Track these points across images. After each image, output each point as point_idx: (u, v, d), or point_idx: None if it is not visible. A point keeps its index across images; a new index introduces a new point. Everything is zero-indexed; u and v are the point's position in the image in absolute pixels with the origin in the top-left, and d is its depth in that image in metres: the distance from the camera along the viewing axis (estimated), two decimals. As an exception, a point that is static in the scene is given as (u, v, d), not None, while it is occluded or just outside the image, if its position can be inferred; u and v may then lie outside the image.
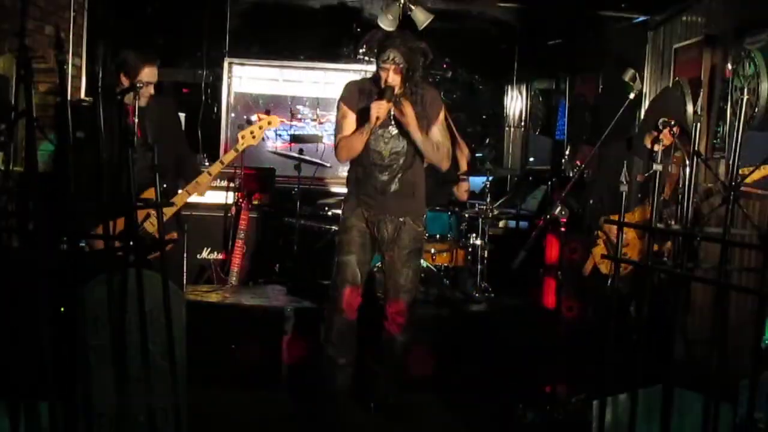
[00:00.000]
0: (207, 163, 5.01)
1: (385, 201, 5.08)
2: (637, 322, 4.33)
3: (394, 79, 4.87)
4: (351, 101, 5.08)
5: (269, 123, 5.29)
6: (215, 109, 9.47)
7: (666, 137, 5.18)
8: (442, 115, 5.15)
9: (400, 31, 5.05)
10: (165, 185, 4.78)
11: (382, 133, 5.03)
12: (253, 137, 5.14)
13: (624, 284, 5.12)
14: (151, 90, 4.95)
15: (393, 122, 5.01)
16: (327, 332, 5.14)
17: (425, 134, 5.01)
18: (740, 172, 4.61)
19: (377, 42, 4.95)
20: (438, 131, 5.12)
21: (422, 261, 6.72)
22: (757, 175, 4.77)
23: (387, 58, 4.84)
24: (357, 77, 9.00)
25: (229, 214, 7.32)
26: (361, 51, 5.09)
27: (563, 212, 5.39)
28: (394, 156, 5.05)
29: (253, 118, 9.31)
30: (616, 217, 5.15)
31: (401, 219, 5.10)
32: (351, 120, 5.06)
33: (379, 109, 4.82)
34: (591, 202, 5.42)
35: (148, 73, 4.85)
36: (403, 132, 5.00)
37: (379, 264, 5.76)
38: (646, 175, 5.27)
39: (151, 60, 4.89)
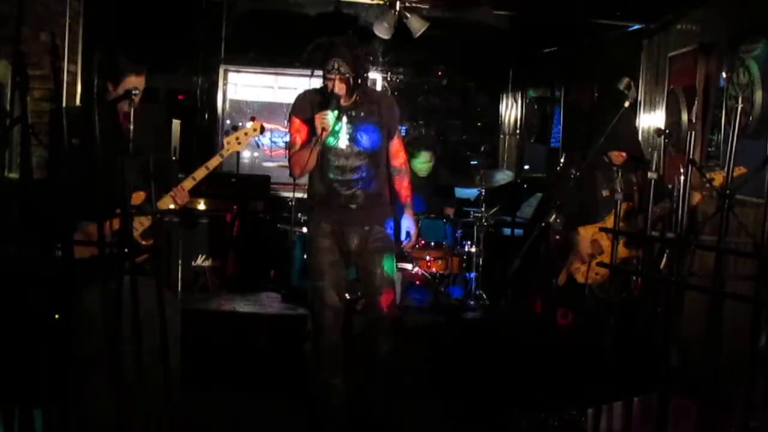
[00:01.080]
0: (181, 175, 4.92)
1: (348, 213, 4.92)
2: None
3: (339, 88, 4.68)
4: (303, 112, 4.86)
5: (255, 130, 5.26)
6: (210, 115, 9.47)
7: (616, 157, 5.49)
8: (398, 125, 5.07)
9: (344, 37, 4.73)
10: (147, 191, 4.75)
11: (341, 147, 4.84)
12: (239, 143, 5.09)
13: (600, 291, 5.32)
14: (138, 96, 4.92)
15: (349, 135, 4.83)
16: (316, 356, 4.97)
17: (411, 210, 5.18)
18: (708, 175, 4.82)
19: (321, 51, 4.72)
20: (396, 140, 5.05)
21: (416, 268, 6.75)
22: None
23: (331, 68, 4.64)
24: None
25: (224, 221, 7.32)
26: (305, 61, 4.81)
27: (558, 220, 5.40)
28: (355, 170, 4.85)
29: (249, 125, 9.32)
30: (590, 228, 5.30)
31: (366, 228, 4.94)
32: (304, 133, 4.85)
33: (323, 120, 4.61)
34: (553, 215, 5.44)
35: (134, 81, 4.80)
36: (364, 144, 4.84)
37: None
38: (610, 189, 5.47)
39: (138, 69, 4.85)
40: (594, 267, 5.35)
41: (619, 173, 5.49)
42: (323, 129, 4.61)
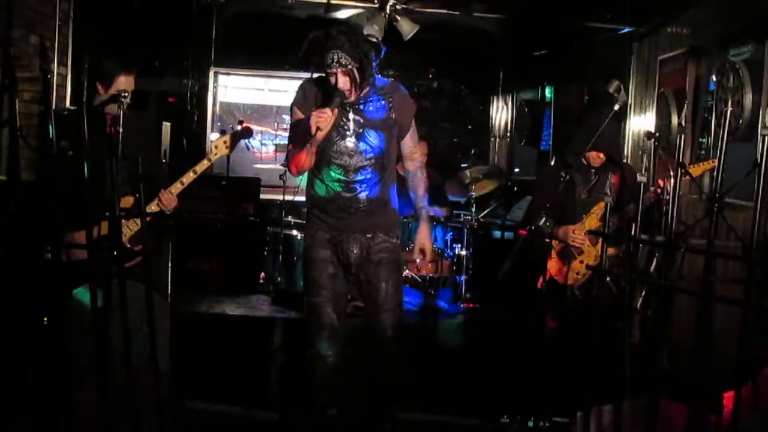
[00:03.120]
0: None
1: (349, 219, 4.39)
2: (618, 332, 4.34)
3: (344, 82, 4.18)
4: (305, 104, 4.37)
5: (243, 133, 5.22)
6: (200, 118, 9.46)
7: (594, 159, 5.44)
8: (413, 122, 4.55)
9: (340, 25, 4.26)
10: (137, 195, 4.73)
11: (346, 145, 4.34)
12: (227, 147, 5.04)
13: (581, 291, 5.39)
14: (128, 100, 4.90)
15: (356, 133, 4.34)
16: (312, 380, 4.45)
17: (426, 218, 4.60)
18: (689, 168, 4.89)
19: (317, 46, 4.21)
20: (410, 139, 4.55)
21: (407, 271, 6.75)
22: (698, 170, 5.26)
23: (331, 61, 4.14)
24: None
25: (215, 223, 7.32)
26: (302, 61, 4.26)
27: (548, 223, 5.40)
28: (358, 171, 4.35)
29: (238, 128, 9.32)
30: (575, 228, 5.34)
31: (368, 235, 4.41)
32: (305, 127, 4.24)
33: (320, 119, 4.09)
34: (543, 218, 5.45)
35: (125, 82, 4.79)
36: (371, 143, 4.34)
37: None
38: (587, 190, 5.49)
39: (127, 69, 4.84)
40: (574, 268, 5.38)
41: (597, 175, 5.50)
42: (317, 128, 4.09)
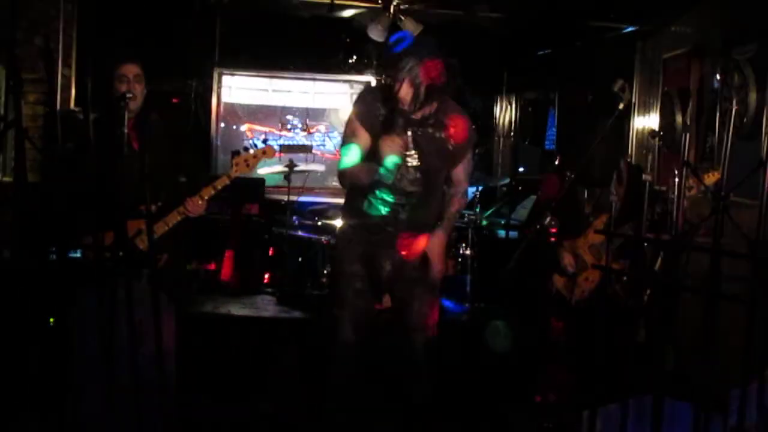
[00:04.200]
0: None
1: (384, 235, 4.26)
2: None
3: (406, 92, 4.04)
4: (367, 117, 4.20)
5: (264, 153, 5.22)
6: (204, 118, 9.46)
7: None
8: (470, 152, 4.42)
9: (430, 38, 4.18)
10: (159, 203, 4.75)
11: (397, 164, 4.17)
12: (248, 166, 5.05)
13: (587, 305, 5.32)
14: (138, 92, 4.88)
15: (411, 155, 4.13)
16: (330, 390, 4.38)
17: (447, 228, 4.36)
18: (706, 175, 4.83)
19: (405, 51, 4.08)
20: (462, 169, 4.38)
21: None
22: (709, 180, 5.00)
23: (404, 67, 4.02)
24: (347, 87, 9.04)
25: (220, 224, 7.32)
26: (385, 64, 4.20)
27: (553, 222, 5.40)
28: (405, 194, 4.21)
29: (243, 128, 9.34)
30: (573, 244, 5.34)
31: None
32: (363, 140, 4.18)
33: (392, 146, 4.03)
34: (548, 217, 5.42)
35: (128, 69, 4.81)
36: (423, 168, 4.17)
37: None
38: (592, 205, 5.47)
39: (129, 58, 4.85)
40: (580, 284, 5.33)
41: (601, 189, 5.50)
42: (385, 152, 4.03)
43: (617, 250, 5.11)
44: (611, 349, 3.87)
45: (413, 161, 4.14)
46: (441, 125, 4.22)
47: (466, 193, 4.54)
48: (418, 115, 4.14)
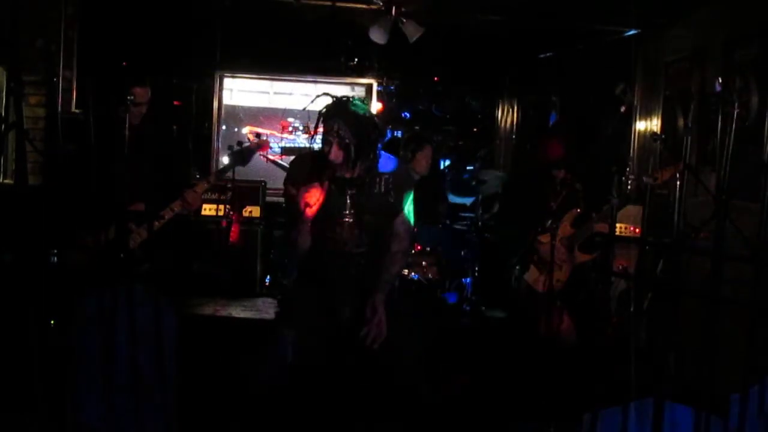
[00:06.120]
0: (198, 176, 4.96)
1: (338, 284, 4.26)
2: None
3: (336, 155, 4.02)
4: (297, 180, 4.19)
5: (258, 146, 5.25)
6: (206, 121, 9.46)
7: (557, 173, 5.69)
8: (410, 201, 4.33)
9: (354, 99, 4.14)
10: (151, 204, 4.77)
11: (340, 219, 4.18)
12: (243, 159, 5.12)
13: (561, 298, 5.52)
14: (143, 110, 4.96)
15: (352, 213, 4.17)
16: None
17: (384, 290, 4.21)
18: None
19: (326, 108, 4.15)
20: (402, 221, 4.31)
21: (413, 274, 6.75)
22: (666, 174, 4.98)
23: (331, 129, 4.03)
24: (348, 90, 9.03)
25: (220, 227, 7.32)
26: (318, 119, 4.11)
27: (554, 224, 5.41)
28: (354, 243, 4.21)
29: (244, 130, 9.34)
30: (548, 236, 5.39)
31: (361, 298, 4.21)
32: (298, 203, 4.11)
33: (310, 198, 4.02)
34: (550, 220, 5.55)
35: (140, 94, 4.88)
36: (365, 225, 4.19)
37: None
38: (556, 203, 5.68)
39: (141, 82, 4.92)
40: (554, 275, 5.41)
41: (563, 186, 5.71)
42: (306, 204, 4.02)
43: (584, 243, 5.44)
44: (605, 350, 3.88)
45: (352, 218, 4.16)
46: (381, 182, 4.21)
47: (406, 252, 4.49)
48: (349, 173, 4.13)
